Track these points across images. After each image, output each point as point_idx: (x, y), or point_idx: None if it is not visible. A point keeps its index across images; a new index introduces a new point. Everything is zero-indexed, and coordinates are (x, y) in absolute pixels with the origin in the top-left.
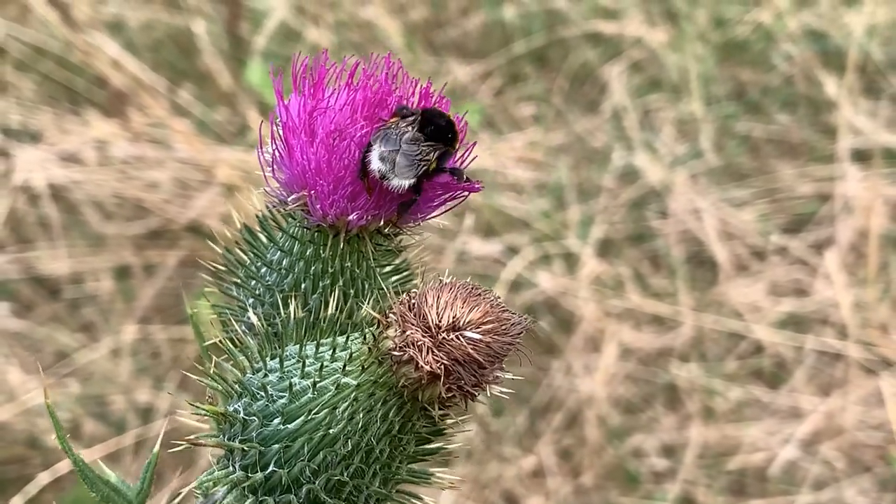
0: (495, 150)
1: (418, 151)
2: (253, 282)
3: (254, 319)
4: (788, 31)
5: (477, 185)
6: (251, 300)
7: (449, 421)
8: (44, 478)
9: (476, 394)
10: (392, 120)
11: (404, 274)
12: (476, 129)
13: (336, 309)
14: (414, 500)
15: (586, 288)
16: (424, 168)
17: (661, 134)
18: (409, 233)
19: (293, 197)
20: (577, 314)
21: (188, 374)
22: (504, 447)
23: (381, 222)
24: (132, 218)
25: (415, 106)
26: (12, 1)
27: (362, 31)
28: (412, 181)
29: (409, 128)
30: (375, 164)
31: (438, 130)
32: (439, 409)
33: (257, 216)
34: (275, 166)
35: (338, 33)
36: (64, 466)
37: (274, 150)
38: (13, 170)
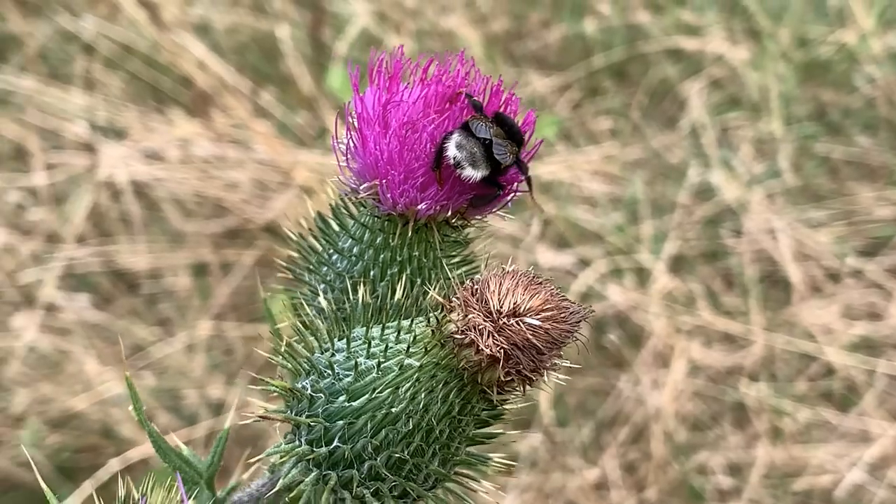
0: (571, 162)
1: (504, 145)
2: (324, 268)
3: (323, 304)
4: (872, 53)
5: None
6: (322, 286)
7: (507, 406)
8: (115, 464)
9: (534, 378)
10: (473, 116)
11: (471, 265)
12: (553, 140)
13: (402, 295)
14: (473, 483)
15: (657, 303)
16: (508, 162)
17: (739, 152)
18: (475, 225)
19: (365, 186)
20: (646, 329)
21: (260, 351)
22: (569, 458)
23: (450, 213)
24: (211, 216)
25: (485, 102)
26: (103, 0)
27: (443, 39)
28: (485, 173)
29: (491, 125)
30: (451, 152)
31: (512, 132)
32: (498, 392)
33: (330, 205)
34: (348, 156)
35: (419, 41)
36: (135, 454)
37: (348, 141)
38: (98, 165)
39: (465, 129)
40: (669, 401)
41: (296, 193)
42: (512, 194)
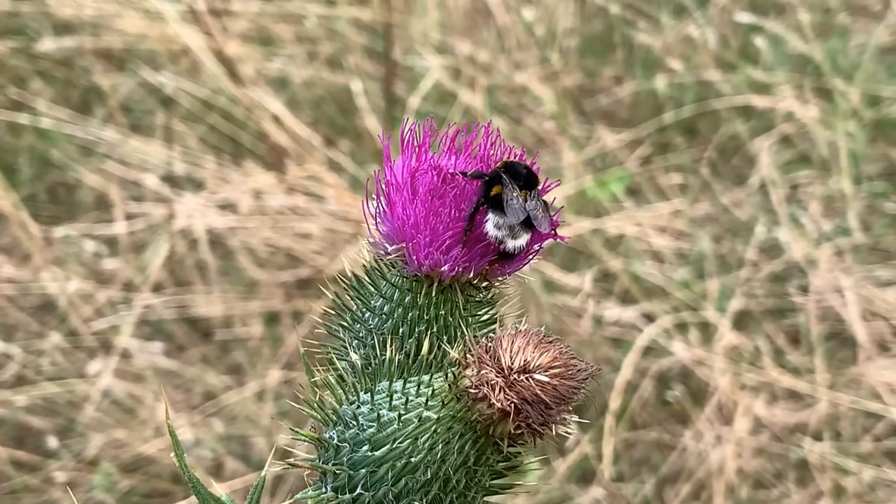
0: (638, 218)
1: (536, 207)
2: (357, 325)
3: (354, 358)
4: None
5: (563, 238)
6: (355, 342)
7: (520, 458)
8: None
9: (543, 432)
10: (496, 189)
11: (497, 324)
12: (621, 196)
13: (428, 352)
14: None
15: (722, 359)
16: (545, 229)
17: (808, 209)
18: (498, 285)
19: (393, 248)
20: (710, 384)
21: (293, 403)
22: None
23: (472, 274)
24: (284, 266)
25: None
26: (184, 56)
27: (515, 95)
28: (527, 238)
29: (516, 193)
30: (493, 233)
31: (528, 179)
32: (509, 444)
33: (364, 266)
34: (378, 219)
35: (491, 96)
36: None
37: (378, 205)
38: (175, 215)
39: (496, 203)
40: (732, 457)
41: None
42: (534, 253)
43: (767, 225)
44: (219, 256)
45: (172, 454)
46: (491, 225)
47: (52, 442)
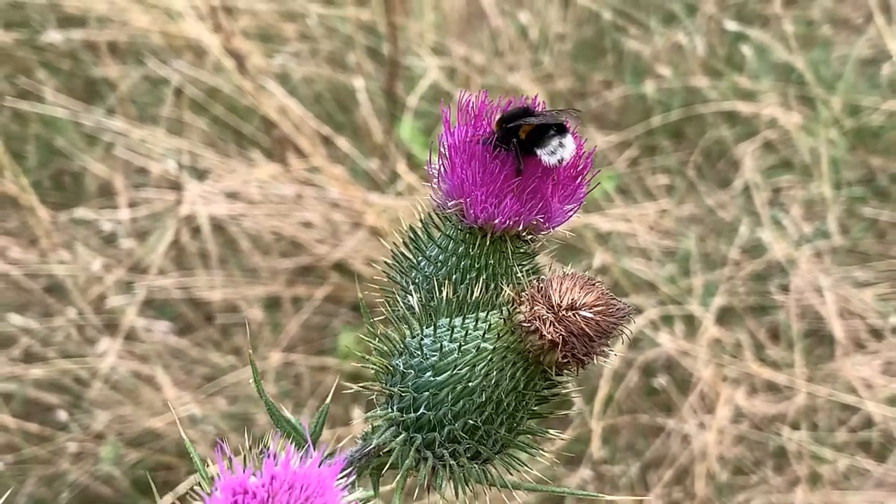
0: (628, 215)
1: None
2: (414, 272)
3: (413, 300)
4: None
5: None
6: (412, 286)
7: (564, 388)
8: (194, 480)
9: (586, 361)
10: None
11: (537, 275)
12: (611, 194)
13: (479, 294)
14: (531, 448)
15: (705, 351)
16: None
17: (789, 212)
18: (541, 240)
19: (452, 203)
20: (694, 375)
21: (363, 336)
22: (617, 495)
23: (521, 227)
24: (286, 254)
25: None
26: (188, 49)
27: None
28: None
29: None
30: (546, 158)
31: (523, 111)
32: (556, 372)
33: (420, 220)
34: (439, 178)
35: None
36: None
37: (439, 166)
38: (181, 201)
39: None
40: (713, 443)
41: (366, 235)
42: (573, 209)
43: (750, 226)
44: (220, 244)
45: (251, 380)
46: (543, 154)
47: (62, 415)
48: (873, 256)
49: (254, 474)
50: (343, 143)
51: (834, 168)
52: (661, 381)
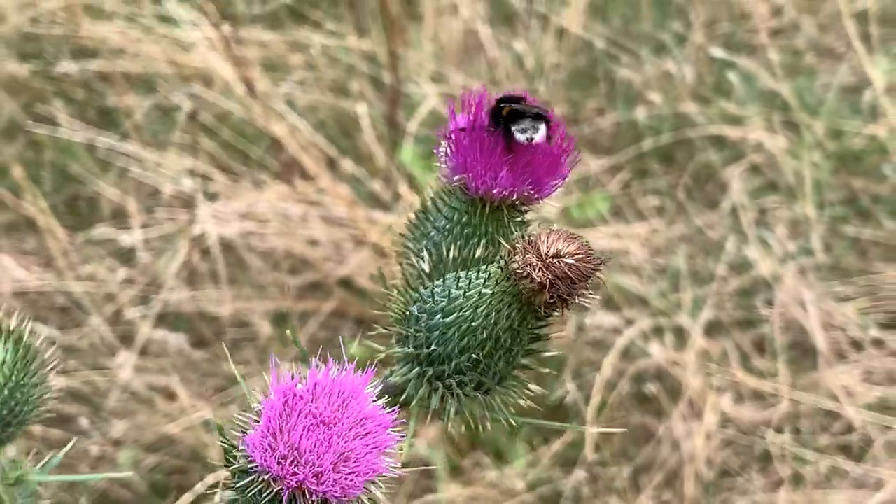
0: (621, 231)
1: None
2: (424, 240)
3: (424, 264)
4: None
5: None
6: (424, 252)
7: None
8: (210, 480)
9: (570, 301)
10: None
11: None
12: (605, 216)
13: (481, 254)
14: (525, 379)
15: (694, 361)
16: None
17: (775, 231)
18: (533, 209)
19: (457, 177)
20: (683, 383)
21: (385, 289)
22: (609, 497)
23: (515, 197)
24: (293, 271)
25: None
26: (196, 77)
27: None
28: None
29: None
30: (519, 136)
31: (513, 98)
32: (545, 312)
33: (430, 196)
34: (445, 158)
35: None
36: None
37: (446, 147)
38: (195, 220)
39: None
40: (702, 447)
41: (369, 253)
42: (560, 180)
43: (737, 244)
44: (230, 263)
45: (288, 331)
46: (516, 130)
47: (84, 422)
48: (855, 272)
49: (300, 383)
50: (348, 164)
51: (817, 189)
52: (652, 388)
